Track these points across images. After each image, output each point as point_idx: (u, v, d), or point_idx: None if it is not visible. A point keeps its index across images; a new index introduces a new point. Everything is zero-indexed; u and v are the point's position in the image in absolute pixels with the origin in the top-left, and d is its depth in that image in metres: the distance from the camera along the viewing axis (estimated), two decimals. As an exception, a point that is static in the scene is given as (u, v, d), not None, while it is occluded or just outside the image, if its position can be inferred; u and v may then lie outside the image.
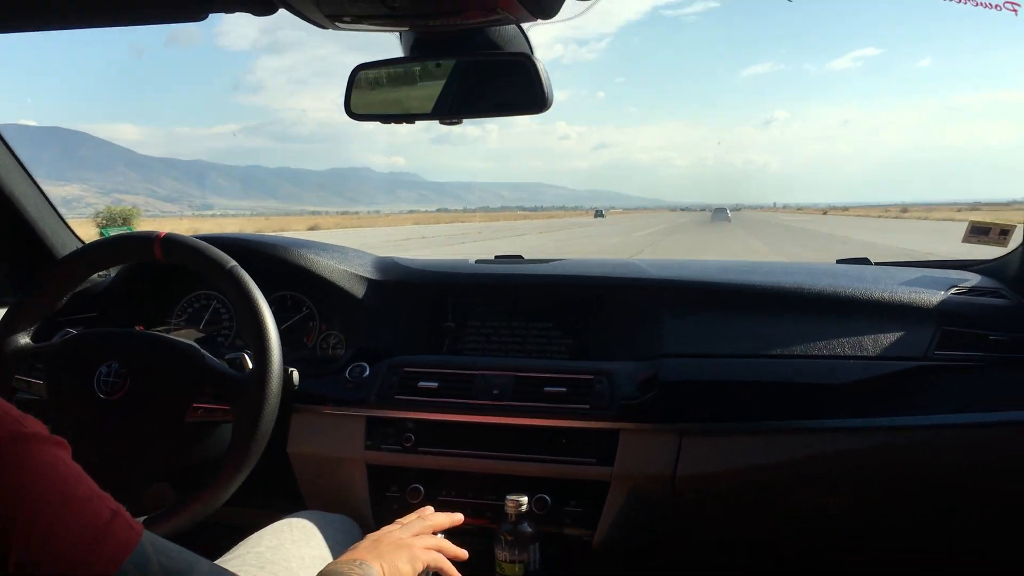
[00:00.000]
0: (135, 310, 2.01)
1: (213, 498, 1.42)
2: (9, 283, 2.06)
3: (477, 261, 2.07)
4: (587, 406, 1.61)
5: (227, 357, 1.56)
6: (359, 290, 1.90)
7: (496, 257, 2.14)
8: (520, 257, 2.15)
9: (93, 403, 1.45)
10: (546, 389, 1.65)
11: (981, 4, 1.22)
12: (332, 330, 1.94)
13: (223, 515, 1.46)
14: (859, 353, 1.59)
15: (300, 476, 1.78)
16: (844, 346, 1.60)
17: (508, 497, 1.48)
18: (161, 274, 2.00)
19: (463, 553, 1.31)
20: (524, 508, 1.49)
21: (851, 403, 1.56)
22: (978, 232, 1.78)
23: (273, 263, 1.88)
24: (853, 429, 1.53)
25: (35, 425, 0.67)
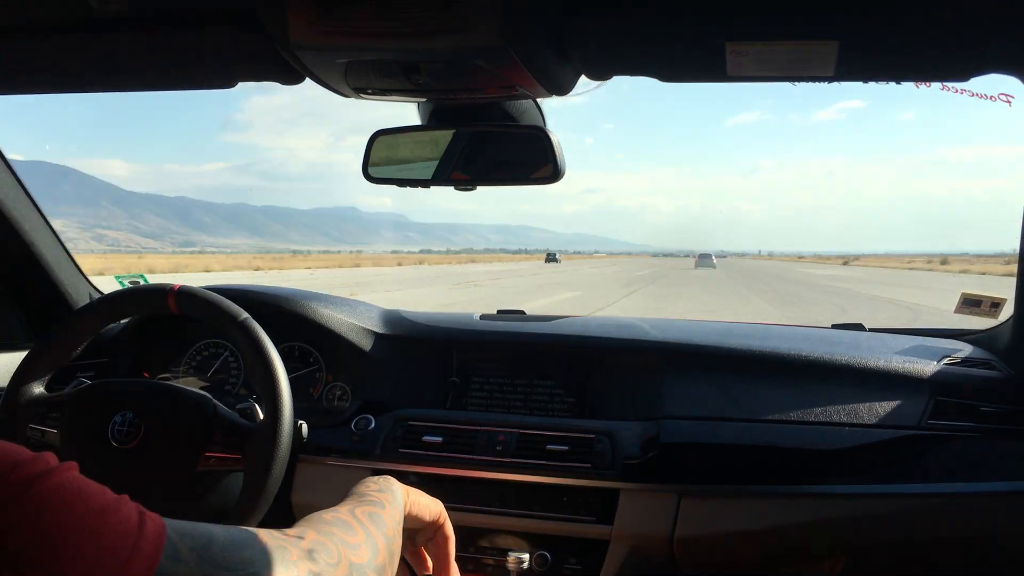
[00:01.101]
0: (144, 357, 2.04)
1: None
2: (23, 330, 2.09)
3: (482, 317, 2.11)
4: (588, 464, 1.64)
5: (238, 407, 1.59)
6: (366, 343, 1.94)
7: (499, 312, 2.18)
8: (522, 312, 2.20)
9: (107, 452, 1.48)
10: (548, 447, 1.68)
11: (976, 95, 1.30)
12: (338, 381, 1.98)
13: None
14: (855, 420, 1.63)
15: None
16: (841, 413, 1.64)
17: (510, 554, 1.52)
18: (171, 322, 2.04)
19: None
20: (525, 565, 1.53)
21: (847, 469, 1.60)
22: (970, 304, 1.85)
23: (282, 315, 1.92)
24: (849, 495, 1.57)
25: (48, 461, 0.66)
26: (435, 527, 1.11)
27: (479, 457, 1.71)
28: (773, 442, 1.63)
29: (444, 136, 1.64)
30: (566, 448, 1.67)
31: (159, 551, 0.66)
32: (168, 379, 1.74)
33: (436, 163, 1.64)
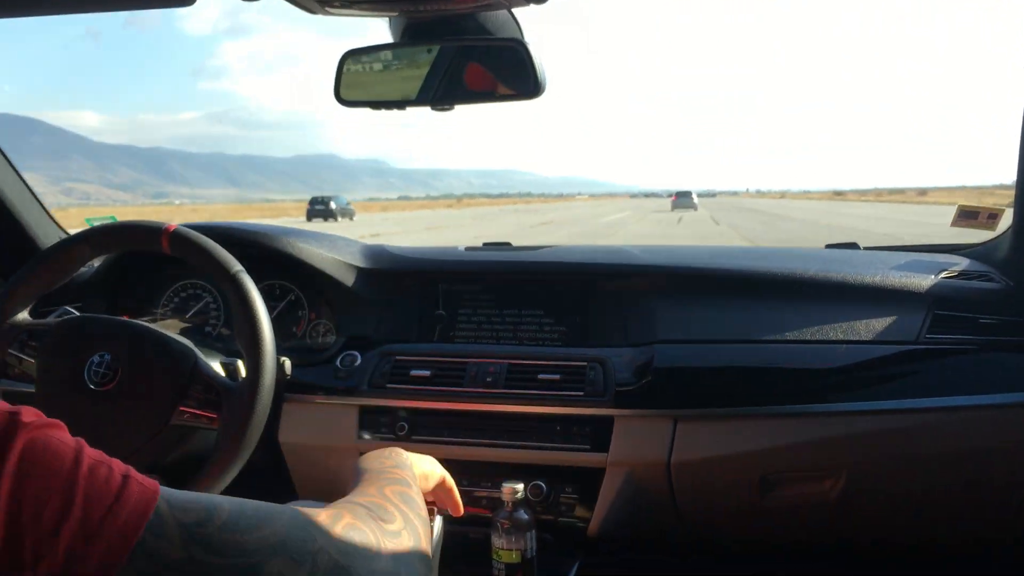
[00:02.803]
0: (119, 298, 1.98)
1: None
2: None
3: (467, 248, 2.06)
4: (581, 392, 1.61)
5: (222, 361, 1.54)
6: (348, 278, 1.89)
7: (484, 245, 2.13)
8: (508, 244, 2.15)
9: (82, 391, 1.43)
10: (540, 376, 1.65)
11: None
12: (321, 319, 1.93)
13: None
14: (852, 337, 1.60)
15: (292, 465, 1.77)
16: (837, 330, 1.61)
17: (504, 484, 1.48)
18: (147, 263, 1.97)
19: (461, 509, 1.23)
20: (520, 495, 1.49)
21: (844, 387, 1.57)
22: (966, 216, 1.80)
23: (262, 251, 1.86)
24: (847, 413, 1.55)
25: (28, 412, 0.64)
26: (440, 487, 1.11)
27: (469, 389, 1.67)
28: (769, 363, 1.60)
29: (418, 54, 1.57)
30: (558, 377, 1.64)
31: (140, 522, 0.60)
32: (148, 321, 1.69)
33: (411, 82, 1.56)
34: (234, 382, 1.47)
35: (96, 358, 1.44)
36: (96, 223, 1.67)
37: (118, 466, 0.64)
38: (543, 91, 1.46)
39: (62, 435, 0.63)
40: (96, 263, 2.00)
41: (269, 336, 1.45)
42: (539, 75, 1.44)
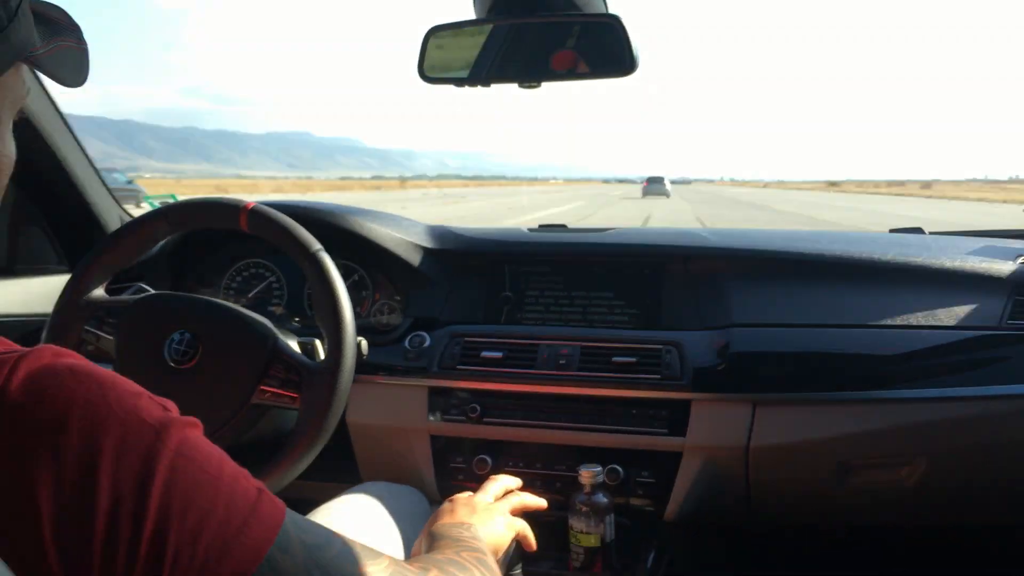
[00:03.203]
0: (180, 278, 1.96)
1: (269, 487, 1.37)
2: (54, 253, 2.01)
3: (531, 230, 2.03)
4: (658, 376, 1.59)
5: (300, 340, 1.52)
6: (415, 258, 1.86)
7: (541, 227, 2.10)
8: (564, 227, 2.12)
9: (162, 369, 1.40)
10: (614, 359, 1.63)
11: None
12: (386, 299, 1.91)
13: (283, 488, 1.42)
14: (932, 323, 1.58)
15: (358, 446, 1.76)
16: (917, 315, 1.59)
17: (583, 468, 1.47)
18: (207, 241, 1.95)
19: (543, 502, 1.37)
20: (600, 479, 1.49)
21: (925, 373, 1.55)
22: None
23: (327, 230, 1.82)
24: (928, 399, 1.53)
25: (173, 408, 0.67)
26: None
27: (543, 371, 1.65)
28: (848, 348, 1.58)
29: (504, 30, 1.53)
30: (633, 360, 1.62)
31: (271, 536, 0.62)
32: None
33: (495, 59, 1.54)
34: (314, 362, 1.44)
35: (177, 336, 1.42)
36: (158, 202, 1.63)
37: (253, 480, 0.66)
38: (637, 68, 1.44)
39: (204, 437, 0.65)
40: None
41: (350, 316, 1.42)
42: (634, 51, 1.41)
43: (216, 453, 0.64)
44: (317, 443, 1.38)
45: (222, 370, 1.42)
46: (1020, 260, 1.70)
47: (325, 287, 1.43)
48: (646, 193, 51.33)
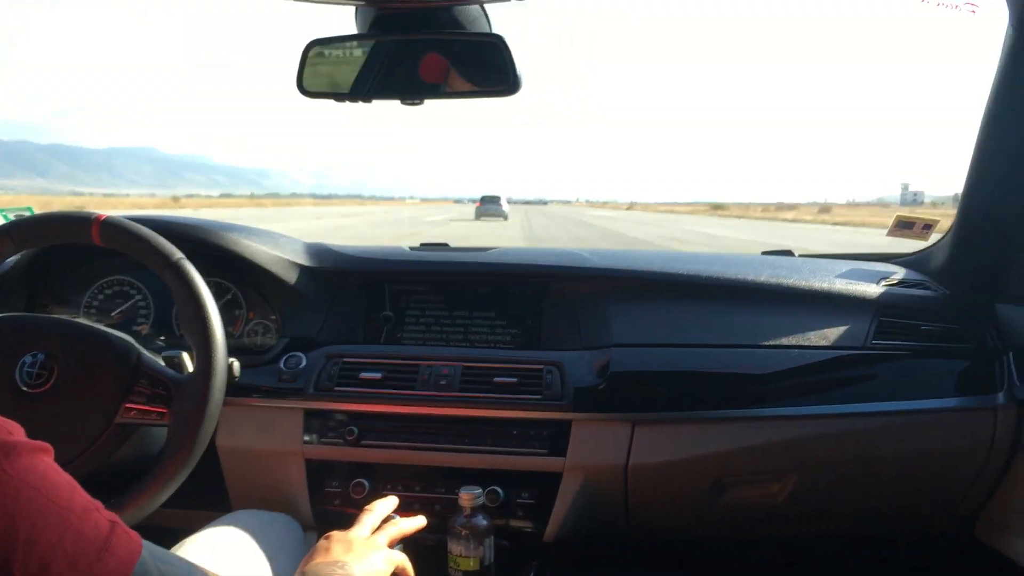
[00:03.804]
0: (37, 296, 1.84)
1: (139, 508, 1.30)
2: None
3: (412, 248, 2.01)
4: (539, 396, 1.60)
5: (165, 354, 1.45)
6: (291, 276, 1.81)
7: (423, 245, 2.08)
8: (446, 245, 2.11)
9: (13, 394, 1.31)
10: (495, 379, 1.62)
11: (944, 3, 1.32)
12: (260, 318, 1.84)
13: (150, 516, 1.34)
14: (802, 342, 1.64)
15: (228, 472, 1.69)
16: (788, 336, 1.65)
17: (462, 490, 1.46)
18: (65, 257, 1.83)
19: (422, 520, 1.34)
20: (480, 501, 1.48)
21: (796, 391, 1.61)
22: (903, 226, 1.91)
23: (200, 247, 1.75)
24: (798, 416, 1.59)
25: (18, 431, 0.63)
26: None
27: (423, 392, 1.63)
28: (723, 367, 1.63)
29: (387, 46, 1.52)
30: (514, 380, 1.62)
31: (126, 573, 0.59)
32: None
33: (376, 75, 1.51)
34: (182, 374, 1.38)
35: (28, 358, 1.33)
36: (12, 215, 1.51)
37: (106, 513, 0.63)
38: (519, 88, 1.45)
39: (54, 464, 0.61)
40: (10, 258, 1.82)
41: (218, 324, 1.37)
42: (518, 72, 1.42)
43: (66, 482, 0.60)
44: (191, 456, 1.31)
45: (81, 391, 1.34)
46: (883, 283, 1.79)
47: (189, 296, 1.37)
48: (480, 214, 42.69)
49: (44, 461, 0.61)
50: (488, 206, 43.55)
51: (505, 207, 43.93)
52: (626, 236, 27.02)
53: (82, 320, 1.42)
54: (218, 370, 1.34)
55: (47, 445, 0.63)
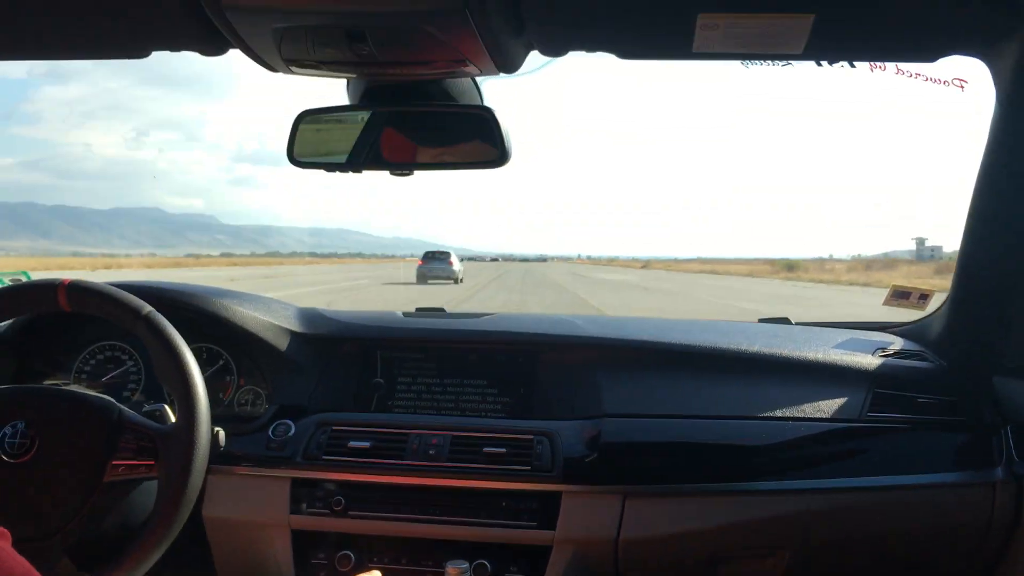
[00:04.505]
0: (27, 364, 1.83)
1: (138, 563, 1.30)
2: None
3: (405, 314, 2.00)
4: (528, 467, 1.57)
5: (146, 409, 1.45)
6: (282, 343, 1.80)
7: (417, 310, 2.08)
8: (442, 310, 2.10)
9: None
10: (485, 450, 1.60)
11: (932, 80, 1.34)
12: (251, 385, 1.83)
13: None
14: (796, 414, 1.62)
15: (215, 542, 1.65)
16: (782, 407, 1.63)
17: (449, 564, 1.42)
18: (56, 324, 1.83)
19: None
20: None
21: (792, 465, 1.59)
22: (899, 296, 1.89)
23: (188, 312, 1.75)
24: (793, 491, 1.56)
25: None
26: None
27: (411, 462, 1.60)
28: (717, 439, 1.61)
29: (378, 118, 1.54)
30: (504, 450, 1.59)
31: None
32: (59, 386, 1.54)
33: (367, 147, 1.53)
34: (165, 425, 1.40)
35: (8, 429, 1.34)
36: (8, 279, 1.52)
37: None
38: (509, 160, 1.46)
39: (10, 548, 0.59)
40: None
41: (196, 370, 1.39)
42: (506, 144, 1.44)
43: (20, 569, 0.58)
44: (183, 504, 1.33)
45: (65, 456, 1.34)
46: (879, 353, 1.77)
47: (164, 346, 1.38)
48: (423, 277, 31.14)
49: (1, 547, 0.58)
50: (432, 265, 31.91)
51: (456, 266, 32.28)
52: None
53: (59, 386, 1.43)
54: (201, 415, 1.35)
55: (4, 531, 0.61)
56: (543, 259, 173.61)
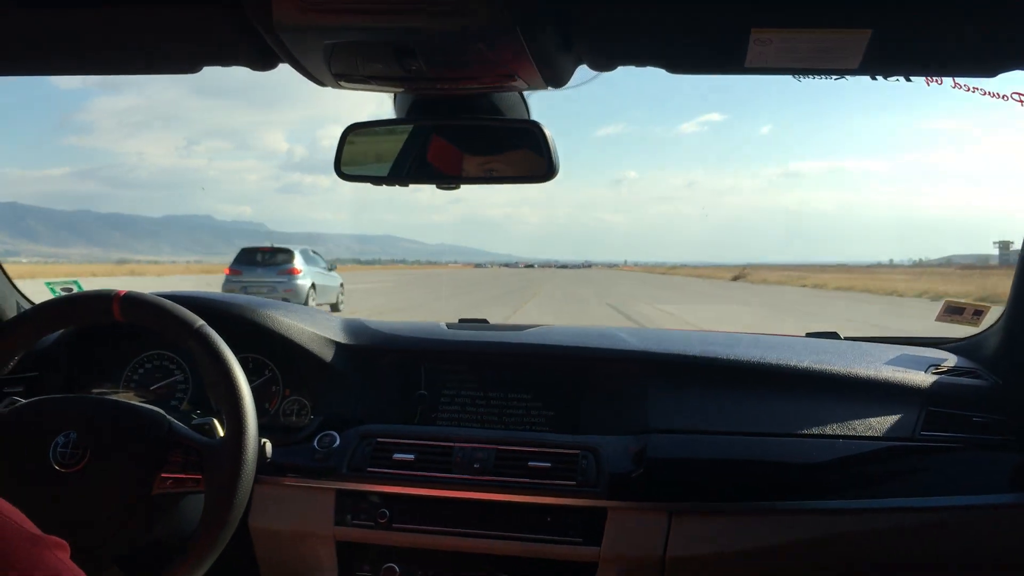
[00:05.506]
0: (78, 372, 1.85)
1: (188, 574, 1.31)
2: None
3: (448, 326, 2.00)
4: (573, 482, 1.55)
5: (195, 423, 1.46)
6: (327, 354, 1.81)
7: (461, 321, 2.08)
8: (486, 321, 2.10)
9: (49, 476, 1.32)
10: (530, 464, 1.58)
11: (990, 94, 1.30)
12: (296, 395, 1.83)
13: None
14: (848, 432, 1.59)
15: (261, 553, 1.67)
16: (832, 424, 1.59)
17: None
18: (107, 333, 1.85)
19: None
20: None
21: (844, 484, 1.55)
22: (952, 312, 1.85)
23: (235, 323, 1.77)
24: (847, 511, 1.53)
25: (34, 527, 0.64)
26: None
27: (456, 476, 1.59)
28: (765, 456, 1.58)
29: (424, 132, 1.54)
30: (549, 465, 1.58)
31: None
32: (109, 395, 1.57)
33: (413, 160, 1.53)
34: (214, 439, 1.40)
35: (61, 439, 1.35)
36: (60, 288, 1.55)
37: None
38: (556, 174, 1.45)
39: (69, 560, 0.63)
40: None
41: (246, 386, 1.39)
42: (554, 158, 1.42)
43: None
44: (230, 519, 1.32)
45: (115, 467, 1.36)
46: (932, 370, 1.72)
47: (215, 361, 1.39)
48: (233, 285, 17.49)
49: (59, 557, 0.62)
50: (251, 273, 17.59)
51: (304, 279, 17.69)
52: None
53: (117, 396, 1.44)
54: (249, 432, 1.35)
55: (63, 542, 0.64)
56: (588, 265, 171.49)
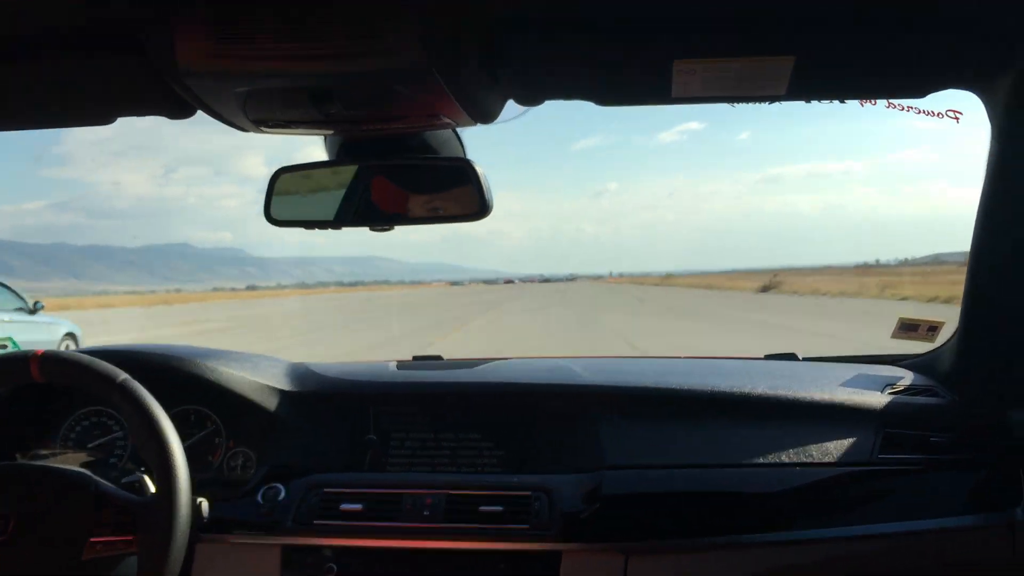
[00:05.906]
0: (10, 435, 1.78)
1: None
2: None
3: (399, 364, 1.95)
4: (526, 526, 1.50)
5: (124, 481, 1.41)
6: (271, 403, 1.75)
7: (415, 358, 2.03)
8: (440, 358, 2.05)
9: None
10: (481, 508, 1.54)
11: (924, 112, 1.28)
12: (241, 447, 1.77)
13: None
14: (805, 460, 1.55)
15: None
16: (790, 452, 1.56)
17: None
18: (40, 391, 1.78)
19: None
20: None
21: (801, 512, 1.52)
22: (907, 329, 1.82)
23: (172, 375, 1.71)
24: (804, 541, 1.49)
25: None
26: None
27: (405, 524, 1.54)
28: (722, 488, 1.54)
29: (356, 172, 1.50)
30: (501, 509, 1.53)
31: None
32: (41, 458, 1.51)
33: (346, 202, 1.49)
34: (144, 496, 1.35)
35: None
36: None
37: None
38: (490, 211, 1.42)
39: None
40: None
41: (175, 439, 1.35)
42: (486, 195, 1.39)
43: None
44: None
45: (42, 535, 1.31)
46: (888, 390, 1.70)
47: (140, 415, 1.35)
48: None
49: None
50: None
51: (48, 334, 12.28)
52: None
53: (51, 458, 1.39)
54: (181, 487, 1.32)
55: None
56: (572, 278, 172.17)
